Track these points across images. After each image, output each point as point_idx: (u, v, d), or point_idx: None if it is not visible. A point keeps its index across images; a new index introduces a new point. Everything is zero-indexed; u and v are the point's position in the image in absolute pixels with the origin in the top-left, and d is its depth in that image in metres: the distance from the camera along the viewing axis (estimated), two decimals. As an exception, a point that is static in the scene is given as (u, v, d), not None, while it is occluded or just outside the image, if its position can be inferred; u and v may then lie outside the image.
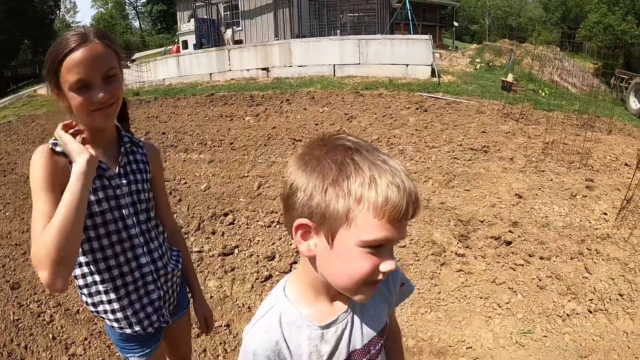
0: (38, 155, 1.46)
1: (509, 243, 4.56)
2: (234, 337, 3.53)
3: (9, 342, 3.53)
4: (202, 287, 3.84)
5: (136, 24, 71.99)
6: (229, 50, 15.86)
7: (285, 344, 1.06)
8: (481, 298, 3.97)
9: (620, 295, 4.13)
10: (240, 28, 20.36)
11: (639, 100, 14.03)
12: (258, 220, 5.04)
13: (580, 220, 5.13)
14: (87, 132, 1.55)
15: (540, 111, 9.42)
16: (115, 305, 1.65)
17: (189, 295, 2.10)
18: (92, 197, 1.54)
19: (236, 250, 4.55)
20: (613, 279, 4.31)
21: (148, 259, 1.71)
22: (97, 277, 1.63)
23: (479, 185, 5.68)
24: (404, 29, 20.74)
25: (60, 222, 1.30)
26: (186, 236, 4.59)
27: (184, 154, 6.95)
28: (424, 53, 13.00)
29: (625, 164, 6.55)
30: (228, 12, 21.33)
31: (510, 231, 4.69)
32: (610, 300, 4.08)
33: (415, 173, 6.02)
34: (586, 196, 5.63)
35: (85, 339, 3.41)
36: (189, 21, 23.96)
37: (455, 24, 46.03)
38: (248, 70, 15.20)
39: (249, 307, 3.84)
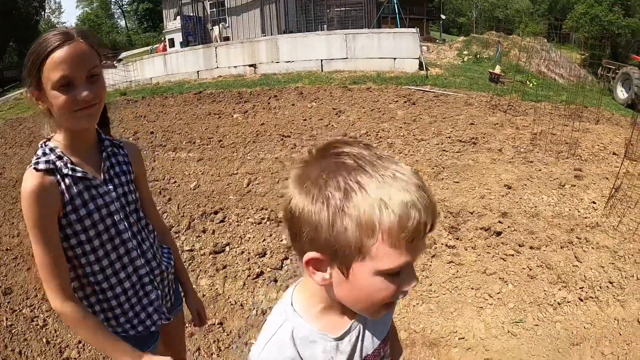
0: (27, 184, 1.46)
1: (499, 234, 4.57)
2: (227, 334, 3.53)
3: (3, 349, 3.49)
4: (194, 286, 3.87)
5: (122, 23, 71.42)
6: (215, 48, 15.76)
7: None
8: (472, 289, 3.97)
9: (611, 282, 4.14)
10: (227, 24, 20.26)
11: (627, 89, 14.11)
12: (248, 218, 5.02)
13: (570, 210, 5.14)
14: (68, 138, 1.55)
15: (528, 102, 9.43)
16: (118, 311, 1.67)
17: (181, 292, 2.10)
18: (83, 211, 1.54)
19: (227, 248, 4.54)
20: (603, 267, 4.32)
21: (143, 260, 1.72)
22: (96, 287, 1.63)
23: (468, 176, 5.69)
24: (391, 23, 20.70)
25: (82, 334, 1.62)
26: (177, 235, 4.58)
27: (172, 153, 6.91)
28: (411, 46, 12.97)
29: (614, 153, 6.58)
30: (214, 9, 21.20)
31: (499, 222, 4.69)
32: (600, 287, 4.09)
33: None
34: (575, 185, 5.65)
35: (80, 342, 3.38)
36: (175, 19, 23.79)
37: (443, 17, 46.04)
38: (235, 67, 15.11)
39: (241, 305, 3.83)
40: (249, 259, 4.39)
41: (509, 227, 4.65)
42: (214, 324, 3.59)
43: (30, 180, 1.46)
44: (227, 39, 18.95)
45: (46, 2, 52.22)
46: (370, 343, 1.11)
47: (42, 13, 48.52)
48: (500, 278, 4.05)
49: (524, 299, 3.89)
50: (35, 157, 1.51)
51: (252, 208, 5.19)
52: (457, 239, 4.55)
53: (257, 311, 3.76)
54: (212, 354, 3.33)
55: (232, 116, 8.75)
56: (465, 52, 17.37)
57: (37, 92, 1.47)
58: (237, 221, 4.98)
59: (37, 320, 3.77)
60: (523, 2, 67.08)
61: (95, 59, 1.50)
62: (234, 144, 7.08)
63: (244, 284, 4.08)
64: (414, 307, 3.84)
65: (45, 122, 1.56)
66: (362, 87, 10.24)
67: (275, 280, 4.09)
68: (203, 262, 4.35)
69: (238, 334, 3.53)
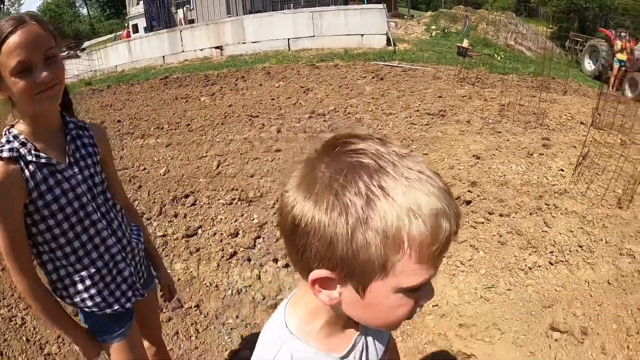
0: None
1: (468, 202, 4.59)
2: (205, 316, 3.51)
3: (-17, 351, 3.42)
4: (169, 271, 3.82)
5: (84, 11, 69.60)
6: (180, 31, 15.52)
7: None
8: (444, 257, 3.99)
9: (580, 246, 4.20)
10: (192, 7, 19.94)
11: (594, 62, 14.32)
12: (219, 199, 4.97)
13: (538, 177, 5.19)
14: (31, 124, 1.56)
15: (496, 75, 9.51)
16: (93, 291, 1.71)
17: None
18: (50, 196, 1.56)
19: (200, 231, 4.49)
20: (572, 232, 4.38)
21: (114, 239, 1.76)
22: (70, 269, 1.67)
23: (437, 148, 5.70)
24: (358, 0, 20.61)
25: (37, 310, 1.62)
26: (149, 221, 4.52)
27: (140, 140, 6.79)
28: (379, 22, 12.95)
29: (581, 123, 6.66)
30: (178, -8, 20.85)
31: (469, 191, 4.71)
32: (570, 251, 4.14)
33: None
34: (543, 154, 5.70)
35: (59, 336, 3.33)
36: (138, 4, 23.40)
37: (410, -7, 45.96)
38: (201, 50, 14.91)
39: (216, 286, 3.81)
40: (221, 240, 4.36)
41: (478, 196, 4.68)
42: (191, 307, 3.57)
43: None
44: (192, 21, 18.67)
45: (4, -7, 50.81)
46: (374, 354, 1.02)
47: (2, 6, 47.21)
48: (471, 245, 4.08)
49: (495, 265, 3.93)
50: None
51: (222, 190, 5.14)
52: (428, 209, 4.56)
53: (232, 291, 3.74)
54: (190, 337, 3.31)
55: (200, 99, 8.64)
56: (433, 27, 17.38)
57: None
58: (209, 203, 4.93)
59: (15, 320, 3.69)
60: (491, -23, 67.22)
61: (50, 40, 1.48)
62: (203, 127, 7.00)
63: (218, 265, 4.05)
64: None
65: (8, 110, 1.55)
66: (330, 64, 10.21)
67: (249, 259, 4.06)
68: (176, 246, 4.30)
69: (215, 315, 3.51)
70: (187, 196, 5.05)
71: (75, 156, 1.67)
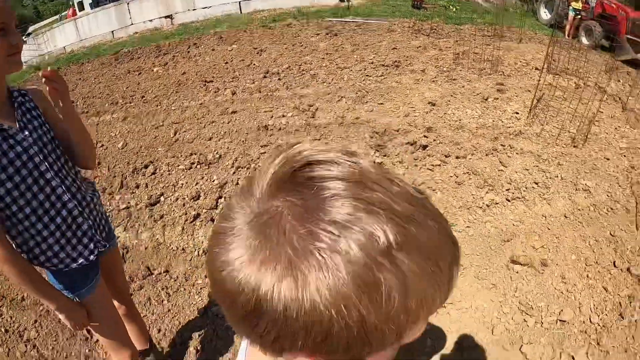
0: None
1: (424, 147, 4.64)
2: (175, 280, 3.52)
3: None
4: (135, 241, 3.81)
5: (27, -5, 66.74)
6: (127, 3, 15.02)
7: None
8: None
9: (536, 183, 4.29)
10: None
11: (549, 11, 14.36)
12: (179, 165, 4.93)
13: (493, 121, 5.27)
14: None
15: (452, 25, 9.52)
16: (56, 248, 1.75)
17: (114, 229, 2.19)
18: (5, 161, 1.57)
19: (162, 198, 4.46)
20: (528, 170, 4.47)
21: (69, 195, 1.77)
22: (32, 231, 1.70)
23: (392, 98, 5.72)
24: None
25: (18, 278, 1.63)
26: (111, 195, 4.48)
27: (96, 117, 6.64)
28: (332, -22, 12.76)
29: (536, 68, 6.75)
30: (122, -39, 20.11)
31: (425, 136, 4.76)
32: (526, 188, 4.23)
33: (329, 94, 5.99)
34: (498, 99, 5.77)
35: (35, 321, 3.29)
36: (81, -21, 22.46)
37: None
38: (151, 20, 14.49)
39: (183, 249, 3.80)
40: (184, 205, 4.33)
41: (434, 140, 4.73)
42: (160, 273, 3.57)
43: None
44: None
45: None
46: None
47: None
48: (428, 187, 4.13)
49: (454, 204, 4.00)
50: None
51: (181, 156, 5.10)
52: (385, 155, 4.60)
53: (198, 252, 3.75)
54: (162, 301, 3.32)
55: (153, 70, 8.47)
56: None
57: None
58: (169, 171, 4.89)
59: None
60: None
61: (14, 11, 1.55)
62: (157, 98, 6.88)
63: (183, 229, 4.04)
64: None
65: None
66: (283, 24, 10.10)
67: (213, 220, 4.07)
68: (140, 216, 4.27)
69: (184, 277, 3.52)
70: (146, 166, 4.99)
71: (23, 120, 1.69)
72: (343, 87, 6.17)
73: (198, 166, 4.87)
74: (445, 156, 4.47)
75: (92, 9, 17.97)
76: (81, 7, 22.00)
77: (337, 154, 0.50)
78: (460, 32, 8.25)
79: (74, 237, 1.80)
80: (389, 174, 0.51)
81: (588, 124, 5.02)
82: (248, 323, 0.51)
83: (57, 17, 29.73)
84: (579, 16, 11.25)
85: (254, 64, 7.35)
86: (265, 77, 6.68)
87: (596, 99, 5.56)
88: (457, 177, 4.25)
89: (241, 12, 13.09)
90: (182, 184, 4.65)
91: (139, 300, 3.26)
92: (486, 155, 4.58)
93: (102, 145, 5.62)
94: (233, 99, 6.08)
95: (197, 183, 4.60)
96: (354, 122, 5.30)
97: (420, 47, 7.50)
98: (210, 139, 5.19)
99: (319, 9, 11.71)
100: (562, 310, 3.15)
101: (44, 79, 1.56)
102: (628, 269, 3.48)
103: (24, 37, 17.53)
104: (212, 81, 6.99)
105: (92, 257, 1.87)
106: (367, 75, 6.40)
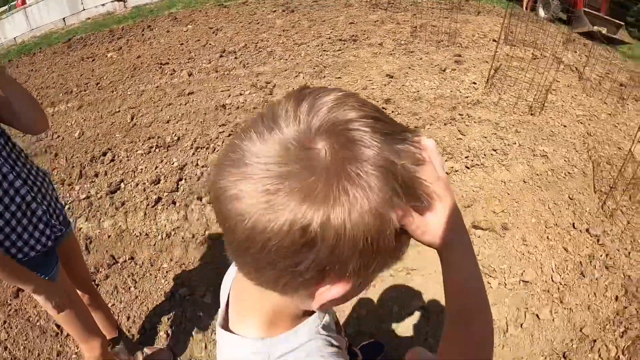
0: None
1: (382, 118, 4.68)
2: (140, 266, 3.49)
3: None
4: (98, 230, 3.76)
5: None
6: (78, -13, 14.64)
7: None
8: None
9: (494, 150, 4.37)
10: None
11: (508, -17, 14.48)
12: (137, 150, 4.86)
13: (451, 91, 5.33)
14: None
15: (409, -1, 9.54)
16: (13, 237, 1.71)
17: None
18: None
19: (122, 185, 4.39)
20: (486, 137, 4.54)
21: (20, 181, 1.73)
22: None
23: (350, 71, 5.73)
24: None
25: None
26: (70, 186, 4.38)
27: (51, 108, 6.46)
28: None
29: (493, 40, 6.82)
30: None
31: (383, 107, 4.78)
32: (485, 155, 4.31)
33: (286, 71, 5.96)
34: (455, 70, 5.83)
35: (5, 322, 3.21)
36: (29, -38, 21.74)
37: None
38: (103, 5, 14.09)
39: (146, 234, 3.77)
40: (145, 190, 4.28)
41: (392, 111, 4.76)
42: (125, 260, 3.53)
43: None
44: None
45: None
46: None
47: None
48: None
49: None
50: None
51: (139, 140, 5.02)
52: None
53: (162, 236, 3.72)
54: (129, 288, 3.30)
55: (107, 56, 8.26)
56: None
57: None
58: (127, 156, 4.81)
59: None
60: None
61: None
62: (112, 83, 6.73)
63: (145, 214, 4.00)
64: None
65: None
66: (239, 2, 9.91)
67: (174, 202, 4.03)
68: (102, 205, 4.20)
69: (150, 262, 3.50)
70: (104, 154, 4.90)
71: None
72: (300, 63, 6.14)
73: (157, 150, 4.81)
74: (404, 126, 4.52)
75: (42, -5, 17.43)
76: (31, -6, 21.33)
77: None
78: (418, 6, 8.26)
79: (29, 224, 1.76)
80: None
81: (545, 92, 5.12)
82: (289, 262, 0.54)
83: (5, 7, 28.68)
84: (537, -12, 11.38)
85: (210, 44, 7.25)
86: (221, 56, 6.61)
87: (553, 68, 5.67)
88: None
89: (196, -8, 12.84)
90: (142, 168, 4.59)
91: (106, 290, 3.23)
92: (444, 124, 4.63)
93: (59, 136, 5.50)
94: (190, 80, 6.00)
95: (156, 167, 4.55)
96: (311, 96, 5.26)
97: (377, 21, 7.51)
98: (168, 122, 5.12)
99: (275, -14, 11.56)
100: (524, 271, 3.25)
101: None
102: (587, 230, 3.60)
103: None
104: (167, 63, 6.87)
105: (49, 242, 1.84)
106: (324, 51, 6.39)
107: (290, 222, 0.50)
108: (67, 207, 4.02)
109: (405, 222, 0.57)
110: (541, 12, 10.73)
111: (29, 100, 1.77)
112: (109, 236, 3.80)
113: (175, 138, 4.77)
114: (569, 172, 4.26)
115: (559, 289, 3.13)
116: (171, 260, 3.48)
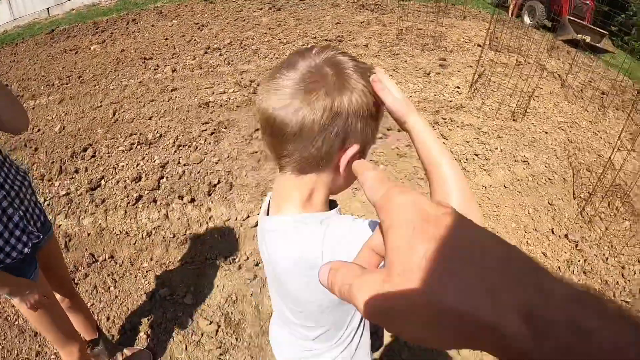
0: None
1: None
2: (120, 265, 3.44)
3: None
4: (77, 228, 3.71)
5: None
6: (63, -23, 14.43)
7: None
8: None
9: (476, 155, 4.40)
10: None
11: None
12: (119, 147, 4.80)
13: (435, 95, 5.35)
14: None
15: (396, 1, 9.55)
16: None
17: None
18: None
19: (102, 182, 4.33)
20: (468, 142, 4.57)
21: None
22: None
23: (335, 72, 5.71)
24: None
25: None
26: (50, 182, 4.30)
27: (32, 101, 6.35)
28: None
29: (478, 45, 6.87)
30: None
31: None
32: (467, 160, 4.34)
33: (270, 70, 5.89)
34: (440, 73, 5.86)
35: None
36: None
37: None
38: (88, -5, 13.96)
39: (126, 233, 3.71)
40: (125, 187, 4.23)
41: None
42: (105, 259, 3.48)
43: None
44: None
45: None
46: None
47: None
48: (370, 160, 4.17)
49: (397, 176, 4.07)
50: None
51: (121, 136, 4.96)
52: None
53: (142, 235, 3.67)
54: (109, 288, 3.24)
55: (90, 49, 8.15)
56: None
57: None
58: (108, 153, 4.75)
59: None
60: None
61: None
62: (95, 77, 6.64)
63: (126, 212, 3.94)
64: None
65: None
66: (225, -2, 9.92)
67: (155, 201, 3.98)
68: (81, 202, 4.13)
69: (130, 261, 3.45)
70: (85, 149, 4.84)
71: None
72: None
73: (138, 147, 4.76)
74: (387, 129, 4.52)
75: (26, -15, 17.16)
76: (14, -17, 20.99)
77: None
78: (405, 8, 8.28)
79: (5, 230, 1.70)
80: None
81: (528, 99, 5.18)
82: (326, 133, 0.86)
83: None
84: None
85: (195, 40, 7.20)
86: (206, 53, 6.56)
87: (536, 75, 5.73)
88: (399, 149, 4.31)
89: (182, -14, 12.73)
90: (123, 165, 4.53)
91: (85, 289, 3.19)
92: (428, 128, 4.66)
93: (39, 130, 5.42)
94: (173, 76, 5.95)
95: (138, 164, 4.50)
96: (296, 97, 5.25)
97: (364, 22, 7.53)
98: (150, 118, 5.07)
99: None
100: (503, 276, 3.27)
101: None
102: (566, 236, 3.64)
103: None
104: (151, 58, 6.80)
105: (26, 249, 1.77)
106: (309, 51, 6.37)
107: (324, 106, 0.84)
108: (46, 203, 3.95)
109: (381, 95, 0.90)
110: (526, 19, 10.83)
111: (15, 105, 1.74)
112: (88, 234, 3.75)
113: (158, 135, 4.73)
114: (549, 178, 4.32)
115: (537, 294, 3.16)
116: (151, 259, 3.44)
